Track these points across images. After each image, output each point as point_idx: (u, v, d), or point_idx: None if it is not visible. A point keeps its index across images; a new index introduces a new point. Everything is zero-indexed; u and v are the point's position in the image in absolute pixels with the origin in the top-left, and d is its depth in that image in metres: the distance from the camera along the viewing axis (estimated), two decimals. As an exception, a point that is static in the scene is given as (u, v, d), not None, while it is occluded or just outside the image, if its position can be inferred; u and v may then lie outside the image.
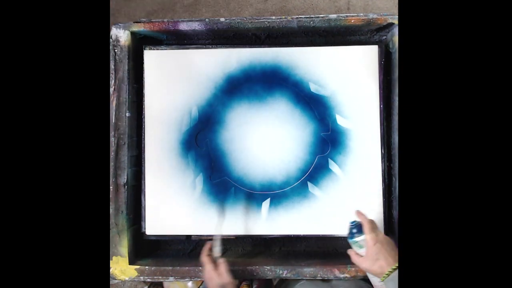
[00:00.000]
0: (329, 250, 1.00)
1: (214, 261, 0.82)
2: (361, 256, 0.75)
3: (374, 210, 0.92)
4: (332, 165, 0.94)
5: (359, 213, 0.79)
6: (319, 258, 0.95)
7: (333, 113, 0.95)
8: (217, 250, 0.84)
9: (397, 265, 0.69)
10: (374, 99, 0.94)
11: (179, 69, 0.96)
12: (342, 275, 0.88)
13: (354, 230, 0.77)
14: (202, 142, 0.96)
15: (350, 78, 0.94)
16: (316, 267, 0.89)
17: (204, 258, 0.83)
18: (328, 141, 0.94)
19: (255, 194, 0.94)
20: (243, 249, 1.01)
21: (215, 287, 0.79)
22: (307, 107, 0.95)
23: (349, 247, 0.78)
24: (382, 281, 0.71)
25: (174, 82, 0.96)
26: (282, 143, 0.95)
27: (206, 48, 0.98)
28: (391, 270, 0.69)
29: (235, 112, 0.96)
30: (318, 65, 0.95)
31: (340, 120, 0.94)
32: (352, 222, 0.78)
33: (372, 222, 0.76)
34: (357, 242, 0.76)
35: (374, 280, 0.80)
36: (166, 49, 0.98)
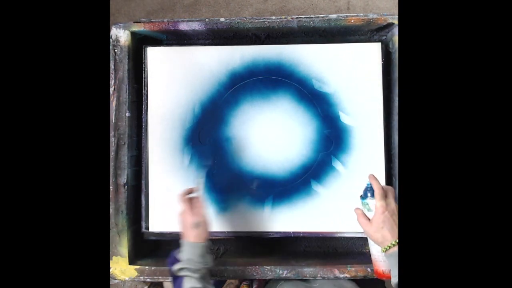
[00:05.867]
0: (329, 250, 1.00)
1: (191, 203, 0.82)
2: (367, 219, 0.74)
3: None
4: (335, 163, 0.94)
5: (371, 177, 0.76)
6: (319, 258, 0.95)
7: (336, 111, 0.95)
8: (200, 191, 0.85)
9: None
10: (378, 96, 0.94)
11: (182, 66, 0.96)
12: (342, 275, 0.88)
13: (368, 192, 0.76)
14: (205, 139, 0.96)
15: (354, 75, 0.94)
16: (316, 267, 0.89)
17: (182, 198, 0.82)
18: (331, 139, 0.94)
19: (258, 191, 0.94)
20: (243, 249, 1.01)
21: (188, 226, 0.78)
22: (311, 104, 0.95)
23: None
24: (383, 252, 0.70)
25: (177, 79, 0.96)
26: (285, 140, 0.95)
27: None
28: (394, 243, 0.68)
29: (238, 109, 0.96)
30: (321, 62, 0.95)
31: (344, 118, 0.94)
32: (369, 184, 0.77)
33: (387, 190, 0.74)
34: (367, 204, 0.75)
35: (373, 249, 0.78)
36: (169, 46, 0.98)
